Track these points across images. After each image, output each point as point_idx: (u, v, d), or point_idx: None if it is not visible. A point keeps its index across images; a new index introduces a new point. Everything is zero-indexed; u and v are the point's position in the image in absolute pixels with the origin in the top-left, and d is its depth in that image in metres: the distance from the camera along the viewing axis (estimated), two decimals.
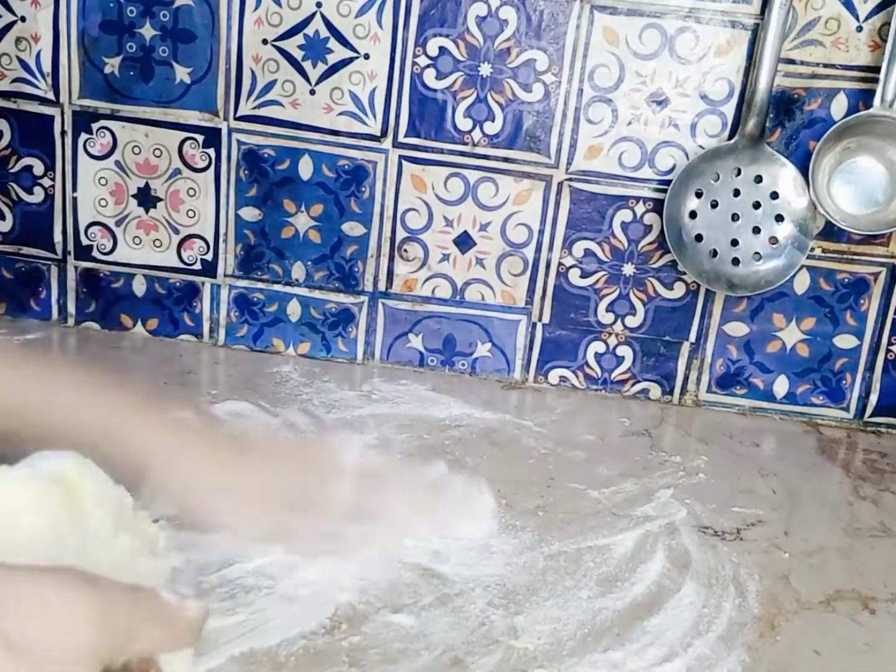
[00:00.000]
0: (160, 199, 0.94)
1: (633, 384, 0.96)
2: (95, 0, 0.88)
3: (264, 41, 0.89)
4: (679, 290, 0.93)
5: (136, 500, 0.48)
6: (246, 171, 0.92)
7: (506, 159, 0.90)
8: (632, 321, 0.94)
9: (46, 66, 0.90)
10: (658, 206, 0.89)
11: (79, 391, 0.56)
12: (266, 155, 0.91)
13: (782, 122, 0.87)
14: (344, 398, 0.86)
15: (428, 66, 0.88)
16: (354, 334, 0.96)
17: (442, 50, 0.88)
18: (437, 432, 0.80)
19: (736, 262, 0.88)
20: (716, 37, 0.86)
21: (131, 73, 0.90)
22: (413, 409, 0.85)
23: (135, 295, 0.96)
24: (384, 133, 0.90)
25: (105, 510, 0.44)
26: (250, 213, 0.93)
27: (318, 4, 0.87)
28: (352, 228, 0.93)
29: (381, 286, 0.94)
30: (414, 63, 0.88)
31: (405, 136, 0.90)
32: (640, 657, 0.52)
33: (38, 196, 0.94)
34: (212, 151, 0.92)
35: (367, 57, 0.89)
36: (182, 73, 0.90)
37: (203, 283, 0.96)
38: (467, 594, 0.56)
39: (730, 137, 0.88)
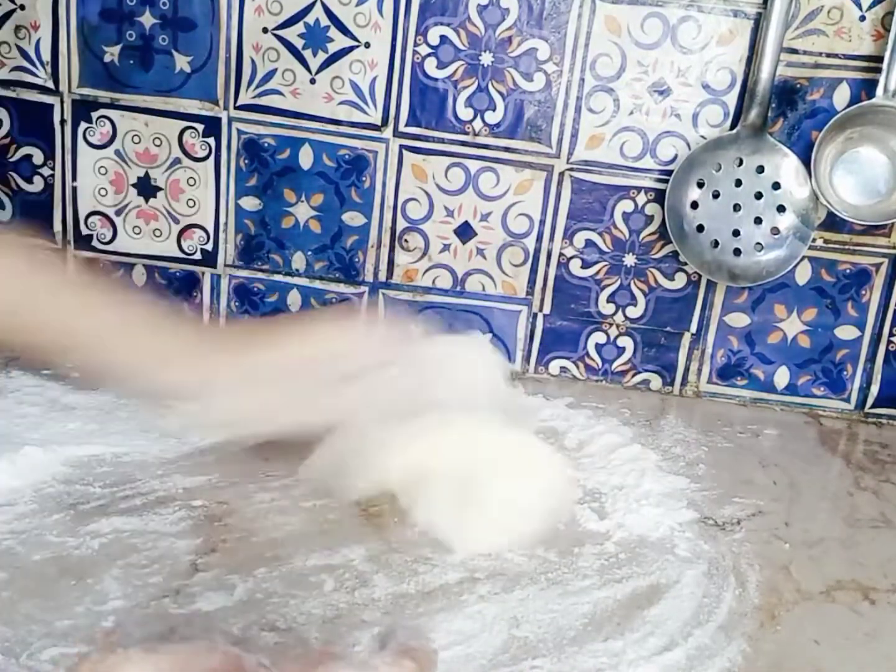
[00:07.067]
0: (160, 189, 0.93)
1: (634, 375, 0.95)
2: None
3: (264, 30, 0.88)
4: (680, 281, 0.93)
5: None
6: (246, 161, 0.92)
7: (507, 149, 0.90)
8: (633, 312, 0.94)
9: (46, 55, 0.90)
10: (659, 197, 0.89)
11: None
12: (266, 144, 0.91)
13: (784, 111, 0.87)
14: None
15: (429, 54, 0.88)
16: None
17: (443, 39, 0.87)
18: None
19: (737, 252, 0.88)
20: (718, 26, 0.86)
21: (131, 61, 0.90)
22: None
23: (135, 285, 0.96)
24: (385, 122, 0.90)
25: None
26: (250, 203, 0.93)
27: None
28: (352, 218, 0.93)
29: (382, 276, 0.94)
30: (415, 52, 0.88)
31: (406, 125, 0.90)
32: (641, 646, 0.52)
33: (37, 185, 0.94)
34: (212, 141, 0.92)
35: (367, 46, 0.88)
36: (182, 62, 0.90)
37: (203, 273, 0.96)
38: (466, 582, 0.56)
39: (732, 127, 0.87)
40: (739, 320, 0.93)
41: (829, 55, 0.86)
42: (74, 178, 0.93)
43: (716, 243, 0.88)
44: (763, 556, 0.64)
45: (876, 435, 0.92)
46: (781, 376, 0.94)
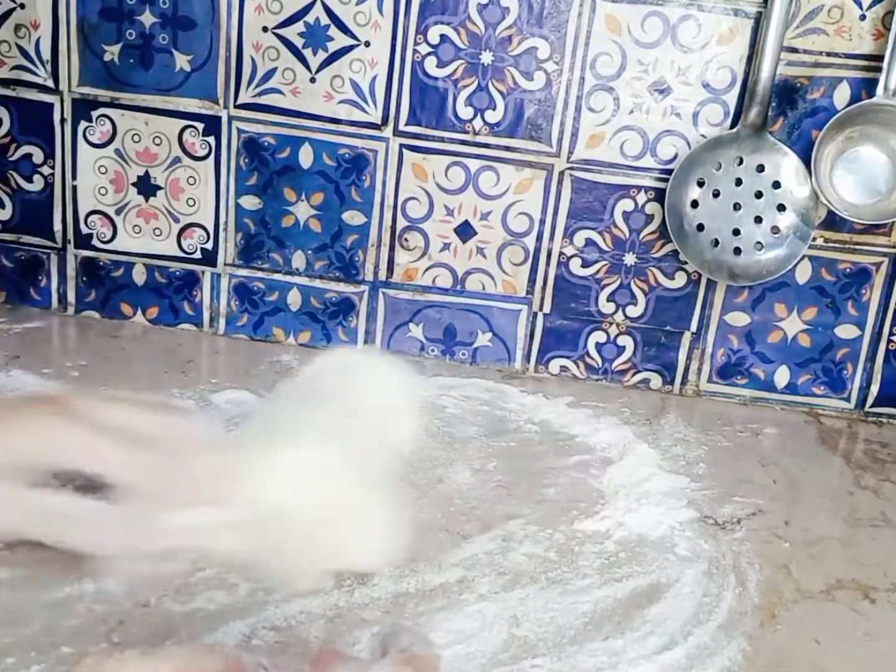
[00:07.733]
0: (160, 188, 0.93)
1: (634, 374, 0.95)
2: None
3: (264, 29, 0.88)
4: (680, 280, 0.92)
5: None
6: (246, 160, 0.92)
7: (507, 148, 0.90)
8: (633, 311, 0.93)
9: (46, 54, 0.90)
10: (660, 196, 0.89)
11: None
12: (266, 143, 0.91)
13: (785, 110, 0.87)
14: None
15: (429, 53, 0.88)
16: (355, 324, 0.96)
17: (443, 37, 0.87)
18: None
19: (737, 251, 0.88)
20: (718, 25, 0.86)
21: (131, 60, 0.90)
22: None
23: (135, 284, 0.96)
24: (385, 121, 0.90)
25: None
26: (250, 202, 0.93)
27: None
28: (352, 217, 0.93)
29: (382, 275, 0.94)
30: (415, 51, 0.88)
31: (406, 124, 0.90)
32: (641, 645, 0.52)
33: (37, 184, 0.94)
34: (212, 140, 0.91)
35: (367, 45, 0.88)
36: (182, 61, 0.90)
37: (203, 272, 0.96)
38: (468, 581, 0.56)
39: (732, 126, 0.87)
40: (739, 319, 0.93)
41: (829, 54, 0.86)
42: (74, 177, 0.93)
43: (716, 242, 0.88)
44: (763, 555, 0.64)
45: (876, 434, 0.92)
46: (781, 375, 0.94)
